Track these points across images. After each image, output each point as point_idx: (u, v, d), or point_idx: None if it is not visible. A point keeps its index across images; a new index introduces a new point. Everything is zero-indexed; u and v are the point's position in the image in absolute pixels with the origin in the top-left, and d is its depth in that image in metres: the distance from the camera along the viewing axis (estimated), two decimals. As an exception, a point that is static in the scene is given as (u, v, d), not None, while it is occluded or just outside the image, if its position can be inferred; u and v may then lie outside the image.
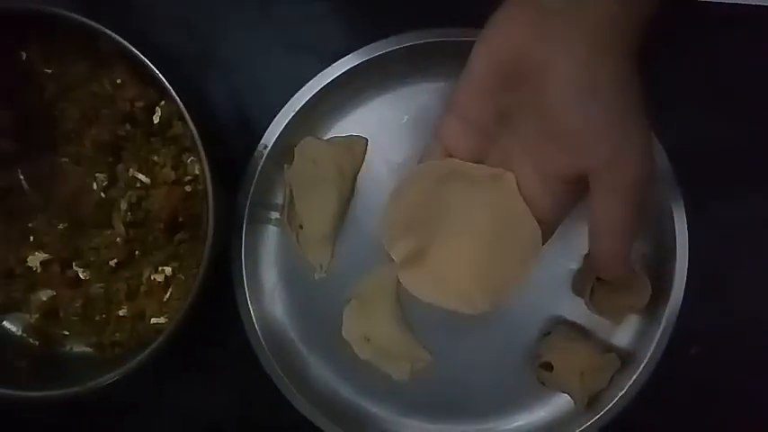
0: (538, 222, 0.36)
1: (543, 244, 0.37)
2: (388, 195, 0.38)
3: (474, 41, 0.43)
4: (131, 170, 0.44)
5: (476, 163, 0.36)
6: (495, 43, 0.32)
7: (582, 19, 0.30)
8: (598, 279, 0.44)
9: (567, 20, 0.30)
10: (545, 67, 0.31)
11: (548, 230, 0.37)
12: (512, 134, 0.35)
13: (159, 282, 0.45)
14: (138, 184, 0.44)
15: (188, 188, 0.44)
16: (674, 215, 0.44)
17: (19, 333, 0.47)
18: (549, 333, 0.46)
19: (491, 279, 0.38)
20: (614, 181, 0.31)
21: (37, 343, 0.46)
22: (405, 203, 0.38)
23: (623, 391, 0.44)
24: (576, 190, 0.34)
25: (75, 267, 0.45)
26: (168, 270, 0.45)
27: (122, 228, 0.44)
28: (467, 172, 0.36)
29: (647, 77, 0.46)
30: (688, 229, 0.44)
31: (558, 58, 0.30)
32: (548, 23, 0.30)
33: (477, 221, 0.38)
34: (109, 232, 0.45)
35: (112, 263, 0.45)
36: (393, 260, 0.39)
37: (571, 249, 0.46)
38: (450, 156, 0.37)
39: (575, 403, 0.45)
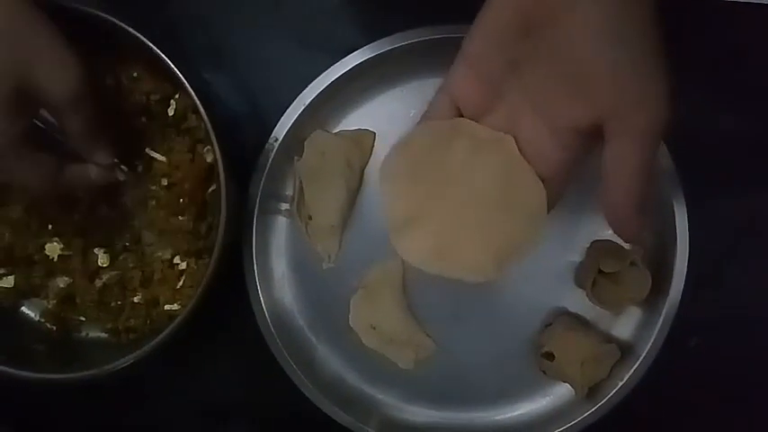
0: (547, 181, 0.36)
1: (554, 205, 0.36)
2: (391, 149, 0.37)
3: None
4: (148, 149, 0.45)
5: (483, 116, 0.35)
6: None
7: None
8: (600, 271, 0.45)
9: None
10: (568, 11, 0.31)
11: (557, 189, 0.36)
12: (521, 86, 0.34)
13: (179, 268, 0.46)
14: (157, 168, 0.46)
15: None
16: (675, 208, 0.45)
17: (37, 318, 0.48)
18: (551, 324, 0.47)
19: (499, 245, 0.36)
20: (635, 125, 0.31)
21: (54, 328, 0.48)
22: (407, 161, 0.37)
23: (623, 382, 0.45)
24: (587, 142, 0.34)
25: (95, 251, 0.47)
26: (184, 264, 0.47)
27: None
28: (472, 133, 0.35)
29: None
30: (688, 222, 0.45)
31: (580, 7, 0.30)
32: None
33: (481, 184, 0.36)
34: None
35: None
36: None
37: (573, 242, 0.47)
38: (458, 108, 0.36)
39: (575, 392, 0.46)
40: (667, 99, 0.31)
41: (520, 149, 0.36)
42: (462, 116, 0.36)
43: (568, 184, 0.36)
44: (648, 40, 0.31)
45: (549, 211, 0.36)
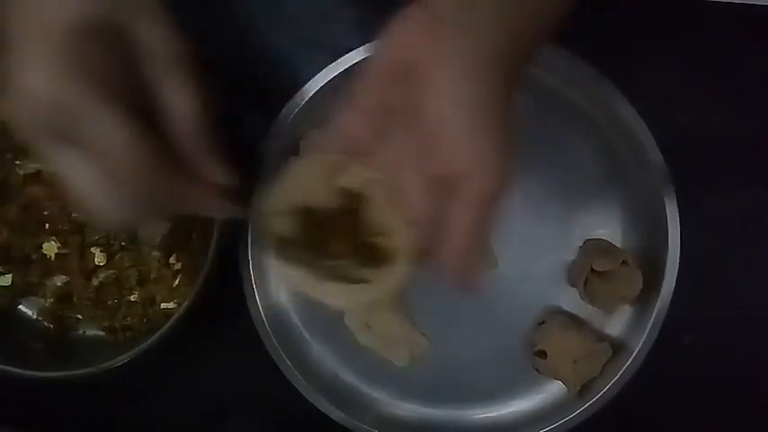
0: (416, 225, 0.35)
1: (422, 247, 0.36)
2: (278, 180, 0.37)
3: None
4: None
5: (369, 155, 0.36)
6: (392, 42, 0.33)
7: (470, 35, 0.31)
8: (592, 270, 0.46)
9: (457, 32, 0.32)
10: (431, 71, 0.32)
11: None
12: (401, 132, 0.35)
13: (175, 267, 0.47)
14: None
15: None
16: (667, 207, 0.45)
17: (34, 316, 0.49)
18: (544, 322, 0.47)
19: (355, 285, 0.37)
20: (468, 189, 0.32)
21: (51, 326, 0.48)
22: (289, 192, 0.37)
23: (615, 379, 0.45)
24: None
25: (92, 250, 0.47)
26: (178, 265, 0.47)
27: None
28: (356, 171, 0.36)
29: (646, 74, 0.48)
30: (680, 220, 0.45)
31: (442, 65, 0.32)
32: (441, 32, 0.32)
33: (352, 224, 0.37)
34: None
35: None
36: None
37: (566, 241, 0.48)
38: (346, 145, 0.36)
39: (567, 390, 0.46)
40: (502, 168, 0.32)
41: (394, 192, 0.36)
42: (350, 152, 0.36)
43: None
44: (496, 112, 0.32)
45: (421, 257, 0.36)
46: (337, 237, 0.36)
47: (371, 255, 0.37)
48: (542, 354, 0.46)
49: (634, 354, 0.45)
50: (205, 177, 0.36)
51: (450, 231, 0.34)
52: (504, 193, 0.33)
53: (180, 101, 0.35)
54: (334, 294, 0.37)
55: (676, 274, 0.45)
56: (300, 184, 0.37)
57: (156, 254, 0.47)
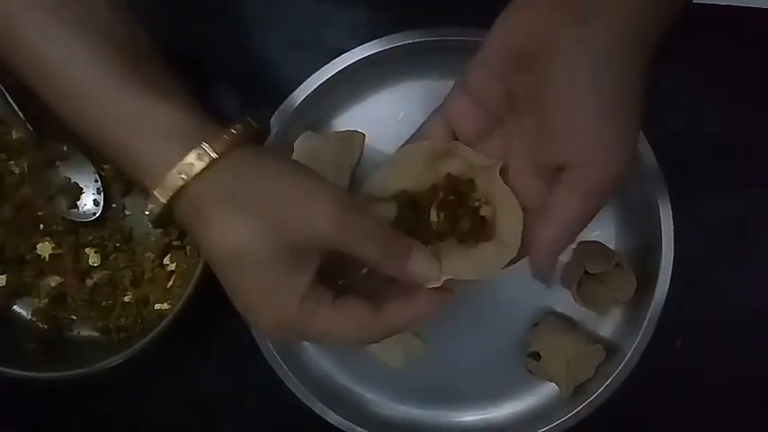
0: (528, 210, 0.35)
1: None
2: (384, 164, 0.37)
3: (470, 41, 0.45)
4: None
5: (478, 142, 0.35)
6: (511, 25, 0.32)
7: (600, 12, 0.30)
8: (585, 272, 0.46)
9: (585, 11, 0.30)
10: (556, 55, 0.30)
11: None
12: (516, 118, 0.35)
13: (169, 268, 0.47)
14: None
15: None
16: (660, 209, 0.45)
17: (29, 317, 0.49)
18: (538, 324, 0.47)
19: (463, 263, 0.36)
20: (585, 181, 0.31)
21: (45, 327, 0.48)
22: (398, 175, 0.36)
23: (608, 381, 0.45)
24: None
25: (86, 250, 0.48)
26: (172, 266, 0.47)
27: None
28: (466, 156, 0.36)
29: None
30: (674, 222, 0.45)
31: (571, 52, 0.30)
32: (566, 12, 0.30)
33: (458, 202, 0.36)
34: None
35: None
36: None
37: (560, 243, 0.48)
38: (453, 132, 0.36)
39: (561, 392, 0.46)
40: (626, 161, 0.31)
41: (507, 177, 0.36)
42: (457, 139, 0.36)
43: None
44: (626, 99, 0.31)
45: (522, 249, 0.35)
46: (439, 218, 0.35)
47: (473, 233, 0.36)
48: (536, 355, 0.46)
49: (627, 356, 0.45)
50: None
51: (549, 219, 0.32)
52: (618, 187, 0.31)
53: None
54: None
55: (670, 277, 0.45)
56: (404, 170, 0.36)
57: (150, 255, 0.47)
